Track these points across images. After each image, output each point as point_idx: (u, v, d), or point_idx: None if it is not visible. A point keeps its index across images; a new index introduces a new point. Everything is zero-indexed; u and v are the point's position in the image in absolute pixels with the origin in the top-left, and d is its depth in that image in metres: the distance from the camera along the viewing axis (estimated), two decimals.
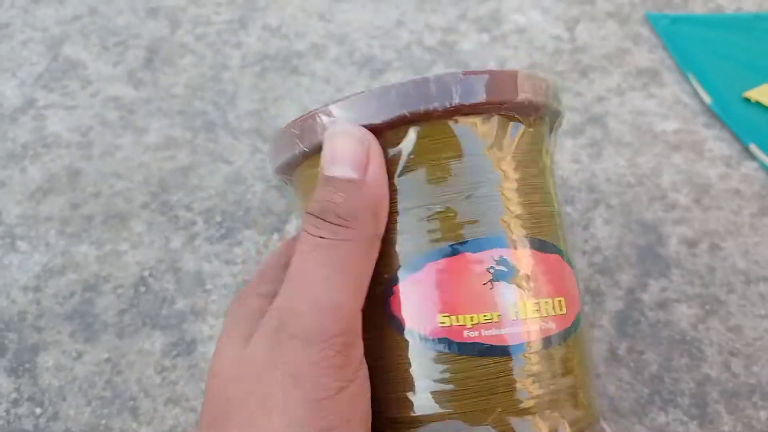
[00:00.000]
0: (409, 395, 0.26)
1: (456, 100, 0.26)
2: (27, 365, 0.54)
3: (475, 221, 0.27)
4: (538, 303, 0.27)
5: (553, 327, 0.27)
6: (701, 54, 0.82)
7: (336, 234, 0.26)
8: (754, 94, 0.76)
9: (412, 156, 0.27)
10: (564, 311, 0.28)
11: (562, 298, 0.28)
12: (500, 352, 0.26)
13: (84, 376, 0.53)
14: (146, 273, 0.60)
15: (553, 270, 0.28)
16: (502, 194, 0.28)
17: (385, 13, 0.88)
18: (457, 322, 0.26)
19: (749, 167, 0.69)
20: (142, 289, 0.59)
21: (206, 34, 0.86)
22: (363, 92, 0.28)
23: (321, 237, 0.26)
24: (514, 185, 0.28)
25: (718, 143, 0.71)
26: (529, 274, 0.27)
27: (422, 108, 0.26)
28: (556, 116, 0.34)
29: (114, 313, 0.57)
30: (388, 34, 0.85)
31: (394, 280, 0.27)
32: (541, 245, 0.28)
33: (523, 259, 0.27)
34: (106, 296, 0.58)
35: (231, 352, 0.27)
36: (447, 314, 0.26)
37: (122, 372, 0.54)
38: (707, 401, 0.52)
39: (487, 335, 0.26)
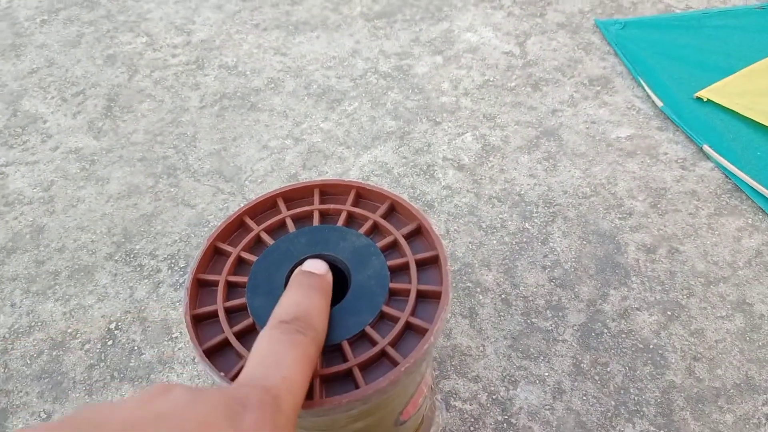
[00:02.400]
0: None
1: None
2: None
3: None
4: None
5: None
6: (651, 57, 0.83)
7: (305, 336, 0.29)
8: (705, 93, 0.77)
9: None
10: None
11: None
12: None
13: None
14: (113, 326, 0.60)
15: None
16: None
17: (340, 43, 0.89)
18: None
19: (704, 167, 0.69)
20: (110, 342, 0.59)
21: (164, 78, 0.86)
22: None
23: (293, 332, 0.29)
24: None
25: (672, 146, 0.72)
26: None
27: None
28: None
29: (82, 369, 0.57)
30: (344, 63, 0.86)
31: None
32: None
33: None
34: (73, 353, 0.58)
35: None
36: None
37: None
38: (673, 409, 0.52)
39: None
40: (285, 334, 0.29)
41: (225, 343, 0.32)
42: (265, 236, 0.36)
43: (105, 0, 1.02)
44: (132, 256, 0.66)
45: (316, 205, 0.38)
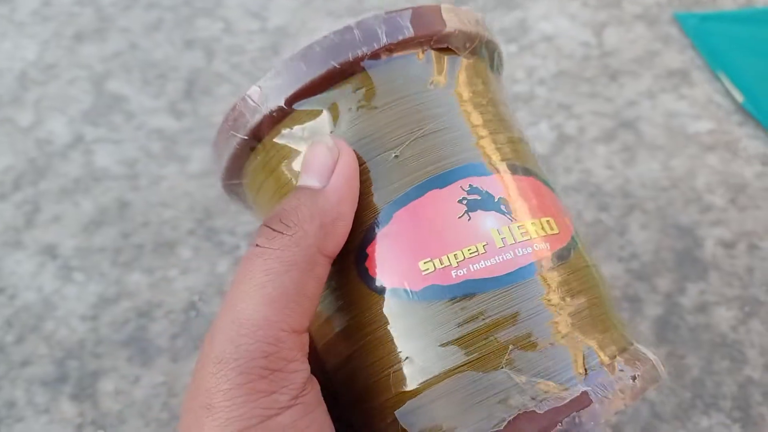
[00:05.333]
0: (403, 367, 0.24)
1: (384, 40, 0.25)
2: (89, 391, 0.57)
3: (434, 156, 0.25)
4: (523, 226, 0.24)
5: (547, 247, 0.25)
6: (731, 51, 0.81)
7: (271, 242, 0.23)
8: None
9: (354, 109, 0.26)
10: (555, 231, 0.26)
11: (549, 218, 0.26)
12: (496, 284, 0.23)
13: (142, 399, 0.56)
14: (195, 297, 0.62)
15: (531, 192, 0.26)
16: (456, 126, 0.26)
17: None
18: (441, 264, 0.23)
19: None
20: (193, 313, 0.61)
21: (241, 63, 0.89)
22: (287, 57, 0.27)
23: (257, 245, 0.23)
24: (464, 116, 0.26)
25: (752, 141, 0.71)
26: (506, 197, 0.25)
27: (350, 56, 0.25)
28: (492, 48, 0.30)
29: (167, 338, 0.60)
30: None
31: (367, 241, 0.25)
32: (511, 168, 0.26)
33: (495, 184, 0.25)
34: (159, 322, 0.61)
35: None
36: (428, 259, 0.24)
37: (177, 394, 0.56)
38: (750, 404, 0.52)
39: (477, 269, 0.23)
40: (251, 247, 0.24)
41: None
42: None
43: None
44: (213, 232, 0.68)
45: None
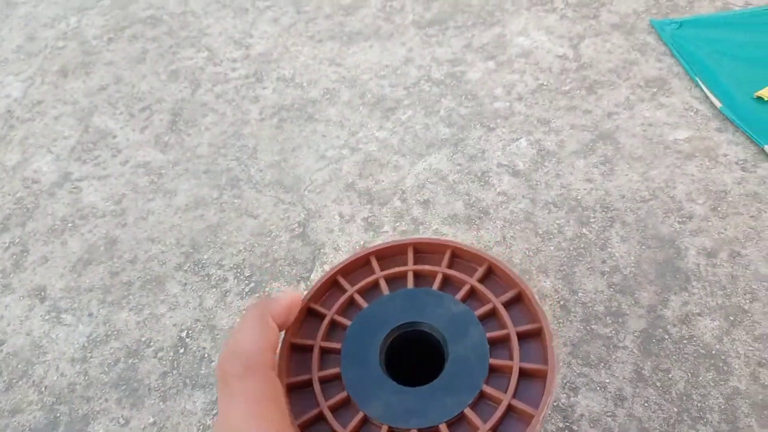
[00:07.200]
0: None
1: None
2: None
3: None
4: None
5: None
6: (709, 57, 0.81)
7: None
8: (766, 92, 0.75)
9: None
10: None
11: None
12: None
13: None
14: (184, 334, 0.63)
15: None
16: None
17: (393, 52, 0.90)
18: None
19: (766, 168, 0.68)
20: (181, 350, 0.62)
21: (225, 92, 0.90)
22: None
23: None
24: None
25: (732, 147, 0.71)
26: None
27: None
28: None
29: (156, 377, 0.60)
30: (397, 72, 0.87)
31: None
32: None
33: None
34: (148, 361, 0.61)
35: None
36: None
37: None
38: (737, 416, 0.52)
39: None
40: None
41: (320, 416, 0.31)
42: (358, 298, 0.35)
43: (167, 17, 1.06)
44: (200, 266, 0.69)
45: (410, 266, 0.37)
